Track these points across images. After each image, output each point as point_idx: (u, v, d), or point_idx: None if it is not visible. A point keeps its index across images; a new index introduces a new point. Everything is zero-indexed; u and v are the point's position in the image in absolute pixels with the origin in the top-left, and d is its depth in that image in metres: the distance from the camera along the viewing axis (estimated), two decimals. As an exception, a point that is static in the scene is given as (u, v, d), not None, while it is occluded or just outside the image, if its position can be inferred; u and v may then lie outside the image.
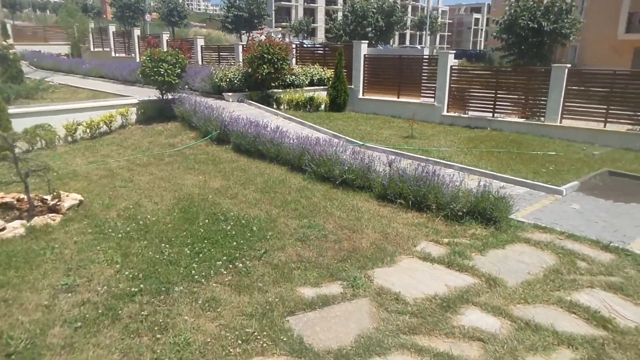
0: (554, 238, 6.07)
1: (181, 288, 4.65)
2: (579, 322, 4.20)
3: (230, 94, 15.65)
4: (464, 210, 6.54)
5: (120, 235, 5.89)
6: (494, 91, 14.67)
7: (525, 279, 4.98)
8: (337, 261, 5.26)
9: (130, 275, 4.88)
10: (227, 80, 15.80)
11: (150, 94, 13.94)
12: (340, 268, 5.06)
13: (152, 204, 7.11)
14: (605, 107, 12.70)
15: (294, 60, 19.30)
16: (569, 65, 13.23)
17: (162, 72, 12.51)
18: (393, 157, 9.60)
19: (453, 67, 15.48)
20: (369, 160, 8.17)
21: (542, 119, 13.74)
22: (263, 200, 7.33)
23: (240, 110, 13.88)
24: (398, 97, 16.83)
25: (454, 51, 16.60)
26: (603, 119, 12.75)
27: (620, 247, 5.77)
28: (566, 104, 13.26)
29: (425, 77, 16.24)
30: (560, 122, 13.33)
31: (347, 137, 12.06)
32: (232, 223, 6.26)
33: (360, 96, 17.63)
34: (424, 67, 16.33)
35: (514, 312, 4.30)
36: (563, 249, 5.73)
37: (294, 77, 16.96)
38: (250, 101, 15.53)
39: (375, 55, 17.87)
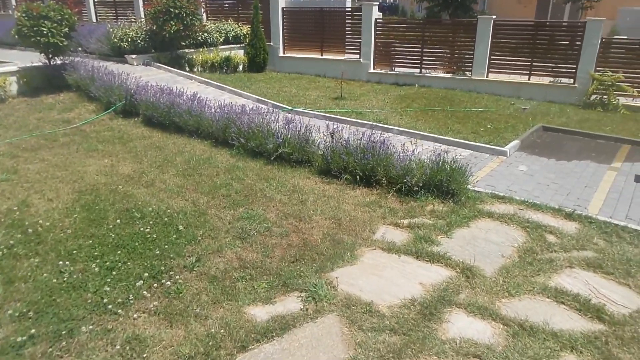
0: (515, 209, 5.62)
1: (90, 326, 3.51)
2: (572, 315, 3.72)
3: (134, 56, 13.68)
4: (420, 185, 5.88)
5: (0, 252, 4.52)
6: (420, 45, 14.11)
7: (501, 264, 4.44)
8: (288, 263, 4.36)
9: (17, 314, 3.64)
10: (129, 40, 13.77)
11: (35, 59, 11.66)
12: (294, 273, 4.18)
13: (45, 202, 5.67)
14: (530, 59, 12.67)
15: (204, 15, 17.40)
16: (494, 17, 12.94)
17: (45, 32, 10.35)
18: (327, 122, 8.74)
19: (378, 21, 14.66)
20: (306, 129, 7.22)
21: (468, 73, 13.49)
22: (187, 186, 6.16)
23: (148, 75, 12.17)
24: (321, 54, 15.80)
25: (377, 2, 15.70)
26: (527, 72, 12.74)
27: (583, 215, 5.46)
28: (492, 57, 13.07)
29: (349, 32, 15.29)
30: (487, 76, 13.16)
31: (273, 102, 10.95)
32: (151, 222, 5.08)
33: (281, 54, 16.35)
34: (347, 21, 15.31)
35: (502, 311, 3.72)
36: (528, 221, 5.28)
37: (206, 34, 15.26)
38: (158, 64, 13.72)
39: (294, 8, 16.51)
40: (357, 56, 14.95)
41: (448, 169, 5.87)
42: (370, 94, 12.60)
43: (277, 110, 10.23)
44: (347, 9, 16.08)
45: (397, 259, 4.45)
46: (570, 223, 5.35)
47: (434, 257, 4.45)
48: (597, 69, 11.78)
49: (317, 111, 10.33)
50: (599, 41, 11.62)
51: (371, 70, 14.72)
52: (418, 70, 14.16)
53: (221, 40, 15.82)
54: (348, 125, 9.30)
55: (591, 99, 11.65)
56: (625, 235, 5.05)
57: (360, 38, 14.75)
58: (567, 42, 12.32)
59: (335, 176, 6.49)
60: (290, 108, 10.51)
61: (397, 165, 6.06)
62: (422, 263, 4.39)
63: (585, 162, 7.67)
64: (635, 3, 24.99)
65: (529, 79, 12.70)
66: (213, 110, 8.37)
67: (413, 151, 6.24)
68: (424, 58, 14.07)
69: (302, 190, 6.06)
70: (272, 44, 16.22)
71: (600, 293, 4.02)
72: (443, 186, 5.85)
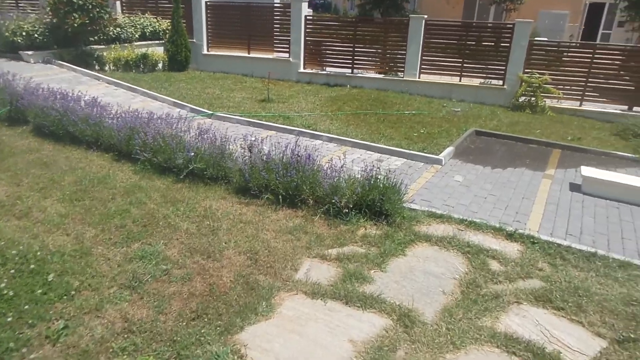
0: (454, 230, 5.08)
1: None
2: (526, 371, 3.16)
3: (30, 52, 12.01)
4: (350, 206, 5.18)
5: None
6: (352, 45, 13.53)
7: (443, 303, 3.83)
8: (187, 322, 3.47)
9: None
10: (24, 34, 12.05)
11: None
12: (193, 337, 3.29)
13: None
14: (461, 60, 12.47)
15: (118, 6, 15.83)
16: (425, 16, 12.62)
17: None
18: (252, 129, 7.90)
19: (307, 18, 13.92)
20: (223, 139, 6.32)
21: (400, 74, 13.11)
22: (72, 215, 5.06)
23: (46, 75, 10.69)
24: (249, 53, 14.82)
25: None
26: (459, 73, 12.54)
27: (525, 234, 5.01)
28: (424, 57, 12.75)
29: (278, 29, 14.42)
30: (419, 77, 12.84)
31: (192, 105, 9.90)
32: (12, 270, 3.98)
33: (205, 52, 15.19)
34: (275, 18, 14.45)
35: (447, 373, 3.08)
36: (469, 245, 4.75)
37: (119, 29, 13.79)
38: (61, 62, 12.14)
39: (219, 3, 15.39)
40: (287, 55, 14.15)
41: (381, 186, 5.22)
42: (300, 96, 11.85)
43: (193, 115, 9.23)
44: (275, 5, 15.23)
45: (323, 307, 3.69)
46: (513, 244, 4.88)
47: (366, 302, 3.74)
48: (525, 70, 11.77)
49: (241, 115, 9.42)
50: (527, 43, 11.60)
51: (301, 70, 13.97)
52: (350, 71, 13.61)
53: (137, 35, 14.41)
54: (274, 132, 8.50)
55: (520, 100, 11.61)
56: (570, 257, 4.64)
57: (289, 36, 13.94)
58: (497, 44, 12.24)
59: (255, 195, 5.65)
60: (210, 112, 9.51)
61: (325, 183, 5.34)
62: (352, 310, 3.66)
63: (520, 170, 7.36)
64: (554, 6, 26.13)
65: (460, 80, 12.52)
66: (117, 117, 7.23)
67: (342, 166, 5.53)
68: (355, 58, 13.52)
69: (214, 216, 5.16)
70: (195, 40, 15.02)
71: (554, 336, 3.50)
72: (376, 206, 5.19)
